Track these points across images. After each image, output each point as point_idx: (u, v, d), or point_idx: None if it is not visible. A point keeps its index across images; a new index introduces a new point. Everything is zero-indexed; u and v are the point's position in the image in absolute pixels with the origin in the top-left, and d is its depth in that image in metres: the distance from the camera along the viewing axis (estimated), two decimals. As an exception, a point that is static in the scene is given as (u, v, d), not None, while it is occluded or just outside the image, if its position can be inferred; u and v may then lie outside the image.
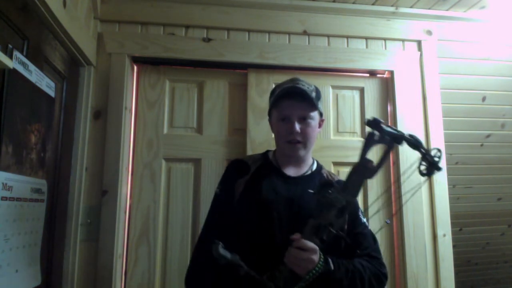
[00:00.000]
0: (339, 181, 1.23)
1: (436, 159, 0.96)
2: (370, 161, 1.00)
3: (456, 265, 1.86)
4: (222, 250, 0.95)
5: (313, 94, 1.20)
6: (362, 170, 1.00)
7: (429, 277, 1.77)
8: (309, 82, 1.24)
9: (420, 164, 0.98)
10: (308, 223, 0.99)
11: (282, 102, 1.19)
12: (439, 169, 0.97)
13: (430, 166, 0.97)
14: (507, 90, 2.09)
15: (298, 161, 1.24)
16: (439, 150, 0.98)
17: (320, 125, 1.26)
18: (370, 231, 1.21)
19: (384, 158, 1.00)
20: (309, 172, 1.25)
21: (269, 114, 1.29)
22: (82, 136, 1.59)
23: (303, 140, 1.18)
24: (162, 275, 1.68)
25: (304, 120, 1.18)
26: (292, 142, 1.18)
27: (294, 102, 1.17)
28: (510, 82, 2.08)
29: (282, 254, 1.01)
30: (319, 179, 1.23)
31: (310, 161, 1.28)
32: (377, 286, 1.10)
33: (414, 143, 0.99)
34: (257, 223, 1.13)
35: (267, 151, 1.33)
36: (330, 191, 0.98)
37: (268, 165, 1.25)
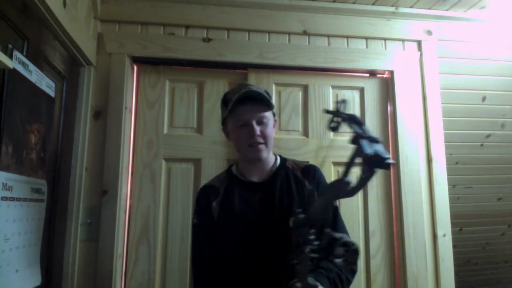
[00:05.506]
0: (309, 168, 1.26)
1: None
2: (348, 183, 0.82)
3: (456, 265, 1.86)
4: None
5: (267, 95, 1.22)
6: (337, 194, 0.86)
7: (429, 277, 1.77)
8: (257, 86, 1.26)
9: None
10: (297, 268, 0.94)
11: (238, 108, 1.19)
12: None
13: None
14: (507, 90, 2.09)
15: (261, 165, 1.26)
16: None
17: (274, 125, 1.28)
18: (337, 213, 1.22)
19: (364, 182, 0.77)
20: (274, 169, 1.26)
21: (223, 123, 1.29)
22: (82, 136, 1.59)
23: (264, 141, 1.20)
24: (162, 275, 1.68)
25: (262, 122, 1.20)
26: (253, 145, 1.19)
27: (250, 107, 1.19)
28: (510, 82, 2.09)
29: (269, 259, 1.06)
30: (285, 172, 1.25)
31: (272, 159, 1.28)
32: (352, 278, 1.12)
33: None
34: (239, 239, 1.16)
35: (230, 166, 1.35)
36: (304, 230, 0.92)
37: (234, 180, 1.26)
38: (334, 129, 0.94)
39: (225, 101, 1.25)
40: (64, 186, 1.49)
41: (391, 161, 0.71)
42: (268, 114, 1.22)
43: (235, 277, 1.15)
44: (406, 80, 1.91)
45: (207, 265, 1.20)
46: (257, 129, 1.18)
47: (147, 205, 1.70)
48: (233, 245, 1.17)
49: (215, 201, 1.22)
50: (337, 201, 1.27)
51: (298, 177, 1.24)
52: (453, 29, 2.01)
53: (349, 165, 0.82)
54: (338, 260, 0.96)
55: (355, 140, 0.79)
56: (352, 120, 0.87)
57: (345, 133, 1.89)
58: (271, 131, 1.23)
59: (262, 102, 1.20)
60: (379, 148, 0.75)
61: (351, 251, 0.87)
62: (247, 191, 1.22)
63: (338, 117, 0.93)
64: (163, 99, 1.80)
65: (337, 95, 1.91)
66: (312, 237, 0.90)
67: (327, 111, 0.96)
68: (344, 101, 0.94)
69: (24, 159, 1.11)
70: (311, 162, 1.56)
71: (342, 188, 0.81)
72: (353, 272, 1.14)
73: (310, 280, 0.93)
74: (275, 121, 1.29)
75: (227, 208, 1.20)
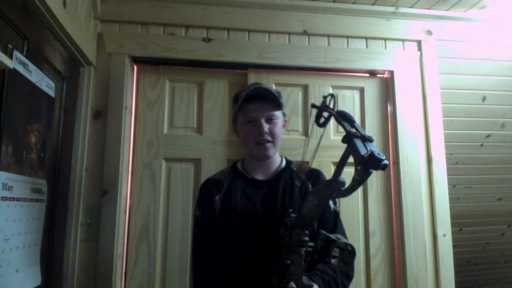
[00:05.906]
0: (313, 171, 1.28)
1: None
2: (343, 183, 0.83)
3: (456, 265, 1.86)
4: None
5: (277, 94, 1.22)
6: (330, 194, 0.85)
7: (429, 277, 1.77)
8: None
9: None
10: (291, 269, 0.94)
11: (248, 105, 1.20)
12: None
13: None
14: (507, 90, 2.09)
15: (266, 164, 1.26)
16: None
17: (283, 126, 1.28)
18: (334, 214, 1.22)
19: (360, 183, 0.76)
20: (279, 170, 1.27)
21: (234, 120, 1.30)
22: (82, 136, 1.59)
23: (272, 139, 1.20)
24: (162, 275, 1.68)
25: (271, 120, 1.21)
26: (261, 143, 1.19)
27: (260, 104, 1.20)
28: (510, 82, 2.09)
29: (267, 254, 1.06)
30: (289, 173, 1.26)
31: (278, 160, 1.29)
32: (347, 284, 1.13)
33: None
34: (239, 235, 1.16)
35: (235, 162, 1.35)
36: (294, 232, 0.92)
37: (239, 176, 1.27)
38: (322, 124, 0.92)
39: (236, 98, 1.26)
40: (64, 186, 1.49)
41: (387, 162, 0.71)
42: (278, 113, 1.22)
43: (235, 276, 1.15)
44: (406, 80, 1.91)
45: (207, 264, 1.20)
46: (266, 126, 1.19)
47: (147, 205, 1.70)
48: (233, 242, 1.17)
49: (218, 195, 1.23)
50: (338, 204, 1.27)
51: (302, 179, 1.24)
52: (453, 29, 2.01)
53: (341, 164, 0.82)
54: (334, 260, 0.93)
55: (348, 139, 0.79)
56: (342, 116, 0.85)
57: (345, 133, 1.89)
58: (280, 131, 1.23)
59: (272, 100, 1.20)
60: (373, 148, 0.74)
61: (347, 251, 0.87)
62: (251, 188, 1.22)
63: (326, 112, 0.90)
64: (163, 99, 1.80)
65: (337, 95, 1.91)
66: (306, 238, 0.90)
67: (314, 106, 0.93)
68: (332, 96, 0.91)
69: (24, 159, 1.11)
70: (311, 162, 1.57)
71: (336, 188, 0.82)
72: (349, 278, 1.14)
73: (305, 280, 0.93)
74: (285, 121, 1.29)
75: (229, 203, 1.20)
